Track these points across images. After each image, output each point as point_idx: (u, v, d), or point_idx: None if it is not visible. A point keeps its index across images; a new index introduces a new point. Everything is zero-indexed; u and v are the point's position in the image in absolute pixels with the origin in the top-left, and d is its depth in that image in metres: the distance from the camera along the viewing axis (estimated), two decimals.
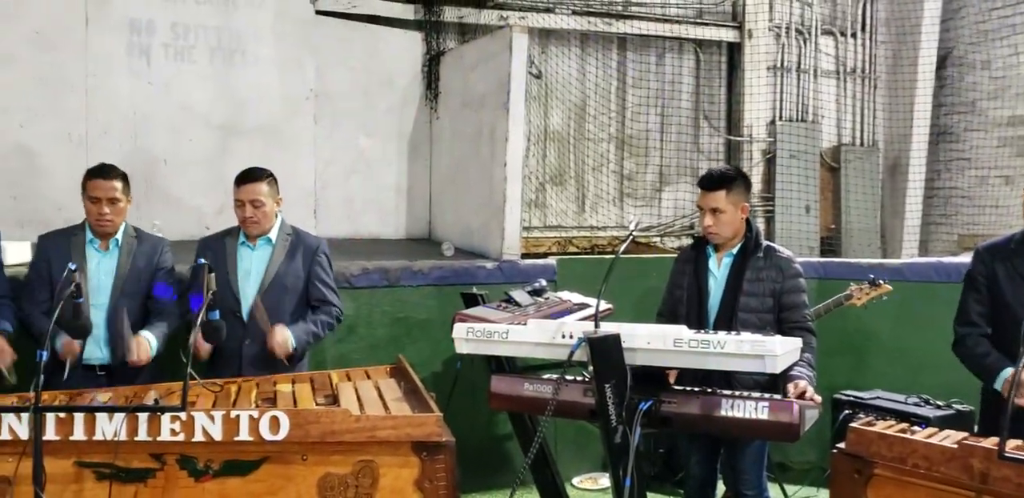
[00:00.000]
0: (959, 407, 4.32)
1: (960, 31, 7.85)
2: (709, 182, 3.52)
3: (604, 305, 3.47)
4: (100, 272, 3.68)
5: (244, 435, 2.83)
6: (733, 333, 2.88)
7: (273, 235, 3.88)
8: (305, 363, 3.96)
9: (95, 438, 2.80)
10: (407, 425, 2.91)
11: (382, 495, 2.90)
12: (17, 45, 5.41)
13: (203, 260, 3.20)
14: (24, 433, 2.76)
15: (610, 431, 2.80)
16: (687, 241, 7.38)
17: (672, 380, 3.21)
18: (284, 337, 3.69)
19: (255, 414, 2.84)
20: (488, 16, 6.66)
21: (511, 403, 3.24)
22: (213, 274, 2.96)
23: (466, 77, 6.04)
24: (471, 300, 4.46)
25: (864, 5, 8.01)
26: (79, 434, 2.80)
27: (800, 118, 7.81)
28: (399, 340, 4.87)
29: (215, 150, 5.95)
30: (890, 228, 8.06)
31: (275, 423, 2.84)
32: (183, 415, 2.80)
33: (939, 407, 4.35)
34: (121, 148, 5.66)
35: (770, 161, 7.68)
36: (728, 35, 7.62)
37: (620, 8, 7.28)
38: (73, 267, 2.92)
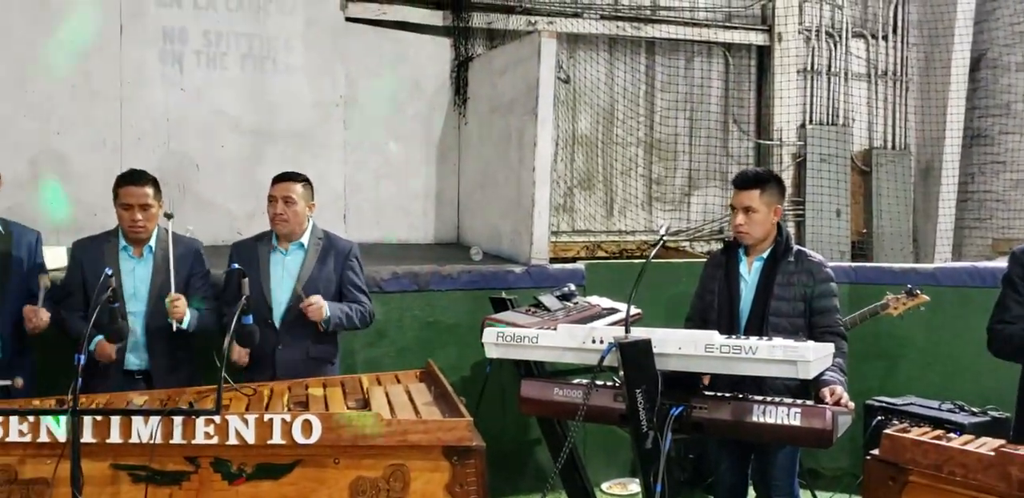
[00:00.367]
0: (994, 414, 4.25)
1: (994, 33, 7.76)
2: (744, 180, 3.50)
3: (633, 310, 3.47)
4: (135, 279, 3.70)
5: (277, 438, 2.86)
6: (765, 338, 2.86)
7: (305, 240, 3.91)
8: (336, 367, 3.99)
9: (131, 441, 2.84)
10: (438, 429, 2.92)
11: None
12: (54, 54, 5.51)
13: (236, 265, 3.23)
14: (62, 436, 2.81)
15: (641, 436, 2.79)
16: (716, 245, 7.34)
17: (705, 383, 3.19)
18: (319, 301, 3.70)
19: (288, 418, 2.87)
20: (516, 21, 6.69)
21: (541, 408, 3.25)
22: (247, 279, 2.99)
23: (494, 82, 6.06)
24: (500, 305, 4.46)
25: (896, 7, 7.95)
26: (115, 437, 2.84)
27: (831, 121, 7.76)
28: (428, 344, 4.88)
29: (246, 156, 6.02)
30: (923, 232, 7.97)
31: (307, 427, 2.86)
32: (217, 418, 2.83)
33: (974, 414, 4.28)
34: (154, 154, 5.75)
35: (800, 165, 7.63)
36: (757, 38, 7.59)
37: (648, 12, 7.28)
38: (109, 272, 2.96)
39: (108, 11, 5.65)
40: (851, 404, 3.08)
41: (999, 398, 3.90)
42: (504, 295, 4.55)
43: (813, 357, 2.72)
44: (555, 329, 3.14)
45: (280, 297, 3.85)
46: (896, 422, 4.19)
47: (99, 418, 2.84)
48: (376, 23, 6.46)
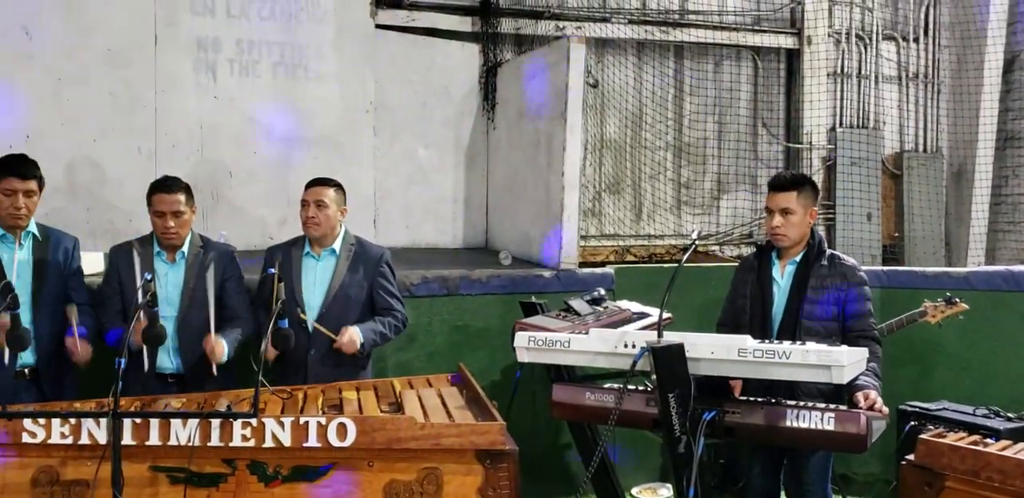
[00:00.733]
0: None
1: None
2: (780, 182, 3.51)
3: (664, 314, 3.47)
4: (168, 284, 3.74)
5: (312, 441, 2.89)
6: (798, 343, 2.86)
7: (337, 246, 3.96)
8: (368, 371, 4.02)
9: (170, 443, 2.89)
10: (471, 433, 2.94)
11: None
12: (91, 63, 5.61)
13: (273, 270, 3.27)
14: (102, 438, 2.86)
15: (673, 441, 2.79)
16: (746, 250, 7.31)
17: (737, 392, 3.19)
18: (352, 338, 3.75)
19: (323, 421, 2.90)
20: (545, 27, 6.71)
21: (573, 412, 3.26)
22: (283, 283, 3.03)
23: (523, 88, 6.08)
24: (530, 309, 4.48)
25: (927, 9, 7.88)
26: (154, 439, 2.89)
27: (861, 125, 7.70)
28: (458, 348, 4.90)
29: (278, 162, 6.08)
30: (955, 236, 7.89)
31: (342, 430, 2.89)
32: (254, 421, 2.87)
33: (1009, 419, 4.23)
34: (188, 161, 5.83)
35: (830, 168, 7.58)
36: (787, 42, 7.56)
37: (676, 17, 7.28)
38: (149, 277, 3.01)
39: (143, 20, 5.74)
40: (885, 409, 3.07)
41: None
42: (534, 299, 4.57)
43: (847, 361, 2.72)
44: (587, 333, 3.15)
45: (313, 302, 3.89)
46: (931, 427, 4.16)
47: (138, 421, 2.89)
48: (405, 30, 6.51)
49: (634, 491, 5.12)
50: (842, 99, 7.66)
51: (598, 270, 5.35)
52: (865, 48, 7.74)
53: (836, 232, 7.50)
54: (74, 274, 3.75)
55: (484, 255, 6.27)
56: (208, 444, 2.88)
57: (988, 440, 2.77)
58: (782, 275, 3.53)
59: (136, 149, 5.75)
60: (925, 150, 7.93)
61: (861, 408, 2.99)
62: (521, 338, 3.24)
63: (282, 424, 2.89)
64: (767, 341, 2.90)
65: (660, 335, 2.85)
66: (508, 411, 3.70)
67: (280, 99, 6.10)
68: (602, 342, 3.03)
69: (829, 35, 7.58)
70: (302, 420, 2.90)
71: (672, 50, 7.43)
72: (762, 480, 3.65)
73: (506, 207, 6.41)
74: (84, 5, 5.59)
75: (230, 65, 5.96)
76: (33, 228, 3.63)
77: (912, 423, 4.41)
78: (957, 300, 4.49)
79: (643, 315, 4.24)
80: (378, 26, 6.38)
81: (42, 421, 2.88)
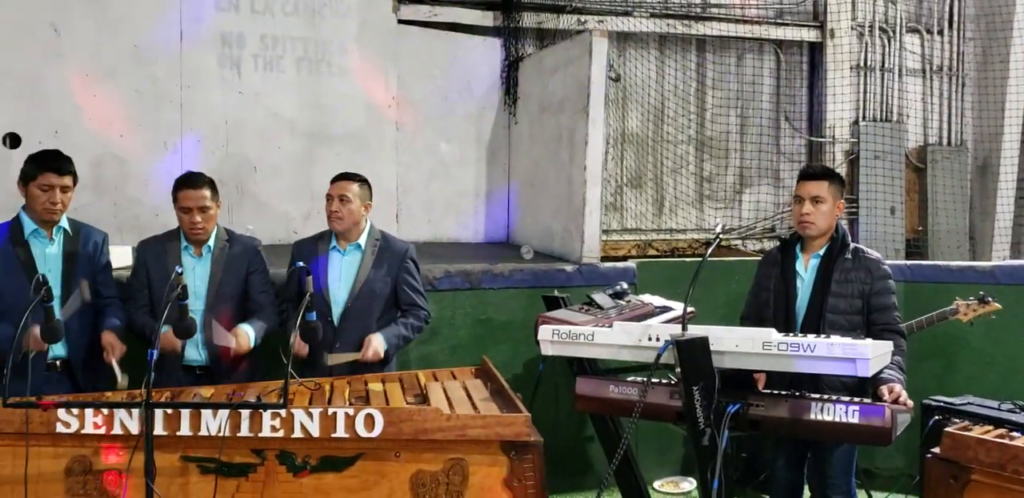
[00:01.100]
0: None
1: None
2: (812, 171, 3.55)
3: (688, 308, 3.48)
4: (195, 278, 3.79)
5: (340, 432, 2.93)
6: (823, 336, 2.86)
7: (362, 241, 3.99)
8: (392, 364, 4.06)
9: (200, 433, 2.93)
10: (496, 424, 2.97)
11: (472, 493, 2.97)
12: (117, 60, 5.68)
13: (300, 263, 3.31)
14: (135, 428, 2.91)
15: (698, 434, 2.81)
16: (768, 244, 7.29)
17: (761, 386, 3.19)
18: (376, 351, 3.81)
19: (351, 411, 2.94)
20: (567, 21, 6.71)
21: (596, 405, 3.28)
22: (310, 277, 3.06)
23: (545, 82, 6.09)
24: (553, 303, 4.50)
25: (951, 1, 7.81)
26: (185, 429, 2.94)
27: (884, 118, 7.65)
28: (481, 342, 4.93)
29: (302, 157, 6.13)
30: (980, 230, 7.83)
31: (370, 421, 2.93)
32: (283, 412, 2.90)
33: None
34: (214, 156, 5.89)
35: (853, 162, 7.54)
36: (809, 35, 7.52)
37: (699, 10, 7.25)
38: (180, 270, 3.05)
39: (169, 17, 5.80)
40: (910, 402, 3.07)
41: None
42: (556, 293, 4.59)
43: (872, 355, 2.72)
44: (610, 327, 3.16)
45: (338, 296, 3.94)
46: (956, 421, 4.14)
47: (169, 411, 2.93)
48: (428, 25, 6.53)
49: (656, 484, 5.13)
50: (865, 92, 7.61)
51: (620, 264, 5.36)
52: (889, 41, 7.69)
53: (859, 226, 7.46)
54: (103, 268, 3.81)
55: (506, 249, 6.29)
56: (238, 434, 2.93)
57: (1014, 434, 2.76)
58: (806, 269, 3.53)
59: (162, 144, 5.82)
60: (949, 143, 7.87)
61: (886, 401, 2.99)
62: (545, 331, 3.26)
63: (311, 415, 2.93)
64: (791, 334, 2.91)
65: (685, 328, 2.86)
66: (531, 404, 3.73)
67: (304, 94, 6.15)
68: (626, 335, 3.05)
69: (852, 28, 7.53)
70: (330, 411, 2.94)
71: (694, 44, 7.41)
72: (786, 473, 3.66)
73: (528, 201, 6.42)
74: (110, 2, 5.65)
75: (254, 60, 6.01)
76: (64, 223, 3.69)
77: (937, 417, 4.38)
78: (990, 299, 4.47)
79: (665, 309, 4.25)
80: (400, 21, 6.40)
81: (75, 411, 2.93)
